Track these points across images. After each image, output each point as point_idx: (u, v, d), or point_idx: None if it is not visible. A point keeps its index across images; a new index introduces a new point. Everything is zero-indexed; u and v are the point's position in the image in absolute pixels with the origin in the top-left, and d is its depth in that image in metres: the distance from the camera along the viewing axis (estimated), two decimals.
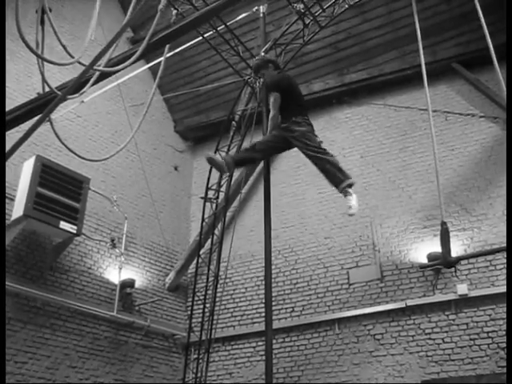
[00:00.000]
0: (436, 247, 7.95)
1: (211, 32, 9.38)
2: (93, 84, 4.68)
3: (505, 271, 9.00)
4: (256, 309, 11.01)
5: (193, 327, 10.46)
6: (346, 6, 9.63)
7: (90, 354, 9.63)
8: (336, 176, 5.85)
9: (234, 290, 11.45)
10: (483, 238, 9.55)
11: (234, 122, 10.81)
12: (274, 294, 9.29)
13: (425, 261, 9.50)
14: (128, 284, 10.48)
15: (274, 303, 9.88)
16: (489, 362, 8.68)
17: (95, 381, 9.56)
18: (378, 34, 11.43)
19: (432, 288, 9.57)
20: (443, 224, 6.56)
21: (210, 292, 10.45)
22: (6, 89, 9.41)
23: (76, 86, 4.17)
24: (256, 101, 10.07)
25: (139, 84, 12.35)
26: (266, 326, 6.19)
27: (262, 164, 9.69)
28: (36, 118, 3.57)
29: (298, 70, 12.14)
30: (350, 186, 5.83)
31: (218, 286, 10.47)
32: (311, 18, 9.61)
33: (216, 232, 10.75)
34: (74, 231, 9.23)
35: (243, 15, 10.22)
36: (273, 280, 8.48)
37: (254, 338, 10.79)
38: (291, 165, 11.60)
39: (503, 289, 8.74)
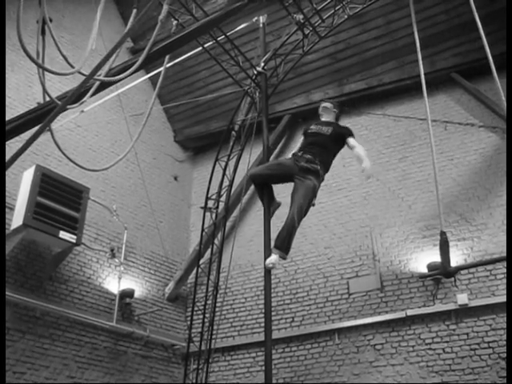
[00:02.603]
0: (436, 257, 7.94)
1: (211, 42, 9.39)
2: (93, 94, 4.69)
3: (505, 281, 8.99)
4: (256, 319, 10.99)
5: (192, 337, 10.42)
6: (345, 16, 9.66)
7: (89, 364, 9.60)
8: (282, 238, 6.20)
9: (233, 299, 11.43)
10: (483, 247, 9.54)
11: (233, 132, 10.81)
12: (273, 304, 9.29)
13: (425, 270, 9.49)
14: (127, 294, 10.46)
15: (273, 313, 9.88)
16: (490, 372, 8.65)
17: None
18: (377, 44, 11.47)
19: (432, 298, 9.55)
20: (442, 234, 6.56)
21: (209, 302, 10.41)
22: (6, 98, 9.45)
23: (76, 96, 4.17)
24: (256, 111, 10.08)
25: (139, 94, 12.39)
26: (266, 336, 6.18)
27: None
28: (36, 128, 3.57)
29: (298, 80, 12.19)
30: (278, 254, 6.21)
31: (218, 295, 10.43)
32: (311, 28, 9.64)
33: (216, 242, 10.73)
34: (74, 241, 9.21)
35: (243, 25, 10.26)
36: (272, 290, 8.46)
37: (253, 348, 10.76)
38: None
39: (503, 298, 8.71)
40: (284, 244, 6.16)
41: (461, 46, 10.90)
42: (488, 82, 9.79)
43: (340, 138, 6.71)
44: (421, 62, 7.45)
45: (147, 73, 10.78)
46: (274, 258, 6.13)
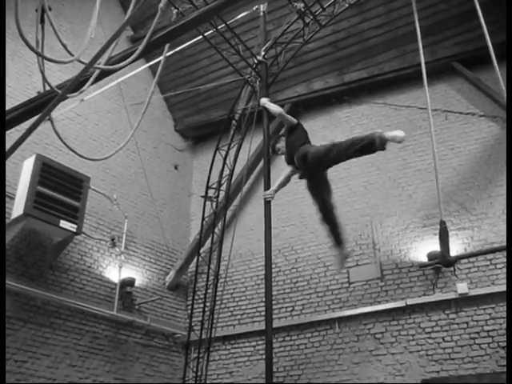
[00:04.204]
0: (436, 246, 7.94)
1: (211, 31, 9.36)
2: (93, 82, 4.68)
3: (505, 270, 9.01)
4: (256, 308, 11.02)
5: (193, 326, 10.46)
6: (346, 5, 9.62)
7: (90, 353, 9.64)
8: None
9: (234, 288, 11.46)
10: (483, 236, 9.55)
11: (234, 121, 10.81)
12: (274, 293, 9.29)
13: (425, 260, 9.51)
14: (128, 283, 10.48)
15: (274, 302, 9.89)
16: (489, 361, 8.69)
17: (95, 380, 9.57)
18: (378, 33, 11.43)
19: (432, 287, 9.57)
20: (442, 223, 6.57)
21: (210, 291, 10.45)
22: (6, 88, 9.41)
23: (76, 85, 4.16)
24: (256, 100, 10.06)
25: (139, 83, 12.35)
26: (266, 325, 6.20)
27: (262, 163, 9.72)
28: (36, 117, 3.57)
29: (298, 69, 12.16)
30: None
31: (218, 284, 10.47)
32: (311, 16, 9.61)
33: (216, 231, 10.75)
34: (74, 230, 9.22)
35: (243, 14, 10.21)
36: (273, 279, 8.48)
37: (254, 336, 10.80)
38: None
39: (503, 287, 8.75)
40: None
41: (462, 35, 10.86)
42: (489, 72, 9.73)
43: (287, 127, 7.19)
44: (421, 51, 7.43)
45: (147, 61, 10.75)
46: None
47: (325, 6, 9.53)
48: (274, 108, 7.39)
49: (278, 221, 10.82)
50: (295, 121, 7.19)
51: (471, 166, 10.27)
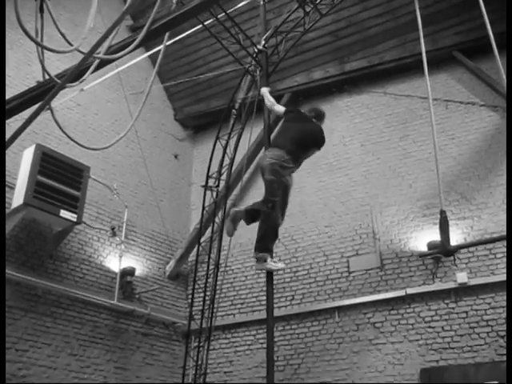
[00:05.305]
0: (436, 236, 7.93)
1: (211, 20, 9.31)
2: (92, 72, 4.66)
3: (505, 260, 9.01)
4: (256, 297, 11.04)
5: (193, 315, 10.48)
6: None
7: (91, 342, 9.67)
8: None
9: (234, 278, 11.48)
10: (483, 226, 9.55)
11: (234, 110, 10.77)
12: (274, 283, 9.33)
13: (425, 249, 9.52)
14: (128, 272, 10.50)
15: (273, 291, 9.93)
16: (488, 350, 8.71)
17: (96, 368, 9.60)
18: (379, 22, 11.39)
19: (432, 276, 9.58)
20: (442, 213, 6.56)
21: (210, 280, 10.45)
22: (6, 77, 9.39)
23: (75, 74, 4.15)
24: (256, 89, 10.03)
25: (139, 72, 12.32)
26: (268, 314, 6.21)
27: (262, 152, 9.70)
28: (36, 107, 3.56)
29: (299, 58, 12.13)
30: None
31: (219, 274, 10.47)
32: (312, 5, 9.55)
33: (216, 220, 10.74)
34: (75, 220, 9.23)
35: (243, 3, 10.17)
36: None
37: (254, 326, 10.83)
38: None
39: (503, 277, 8.77)
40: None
41: (462, 24, 10.82)
42: (490, 61, 9.71)
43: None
44: (422, 40, 7.39)
45: (147, 51, 10.71)
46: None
47: None
48: (266, 100, 7.61)
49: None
50: (282, 110, 7.51)
51: (471, 155, 10.26)
